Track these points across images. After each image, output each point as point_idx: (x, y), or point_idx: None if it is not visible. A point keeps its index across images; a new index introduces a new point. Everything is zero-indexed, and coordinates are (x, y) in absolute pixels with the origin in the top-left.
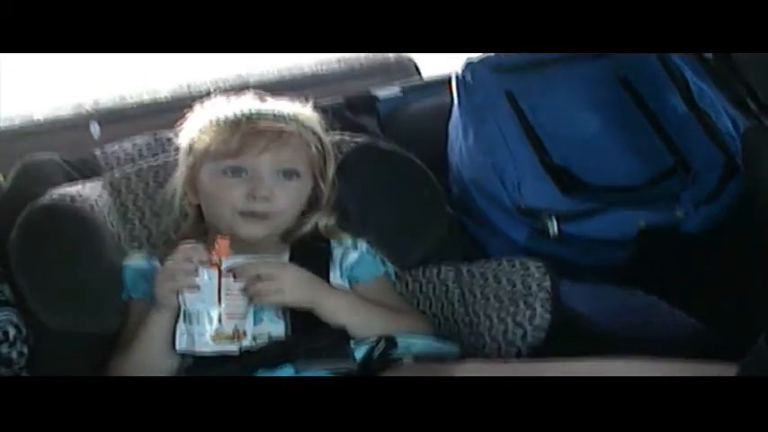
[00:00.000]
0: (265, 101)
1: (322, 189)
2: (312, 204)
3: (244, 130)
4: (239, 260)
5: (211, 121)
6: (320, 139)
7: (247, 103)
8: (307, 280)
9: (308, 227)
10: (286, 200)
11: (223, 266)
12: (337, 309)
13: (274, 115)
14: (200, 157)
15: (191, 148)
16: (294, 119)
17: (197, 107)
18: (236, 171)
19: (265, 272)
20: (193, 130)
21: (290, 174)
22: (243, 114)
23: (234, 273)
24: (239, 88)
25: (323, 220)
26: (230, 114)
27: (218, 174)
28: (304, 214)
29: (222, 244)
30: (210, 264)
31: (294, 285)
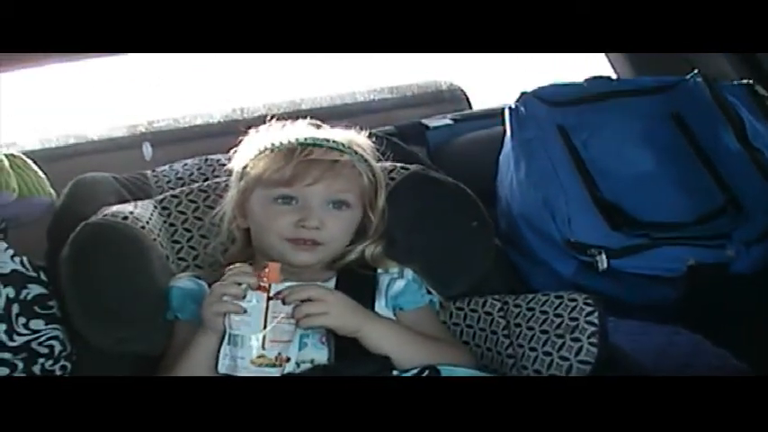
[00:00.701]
0: (320, 128)
1: (371, 219)
2: (360, 233)
3: (298, 159)
4: (288, 285)
5: (266, 148)
6: (372, 169)
7: (303, 131)
8: (353, 306)
9: (354, 255)
10: (335, 229)
11: (272, 291)
12: (382, 337)
13: (329, 144)
14: (253, 183)
15: (243, 173)
16: (349, 148)
17: (252, 132)
18: (287, 199)
19: (314, 294)
20: (247, 155)
21: (339, 204)
22: (298, 142)
23: (283, 297)
24: (292, 114)
25: (370, 249)
26: (285, 142)
27: (269, 201)
28: (351, 243)
29: (273, 268)
30: (259, 288)
31: (341, 310)
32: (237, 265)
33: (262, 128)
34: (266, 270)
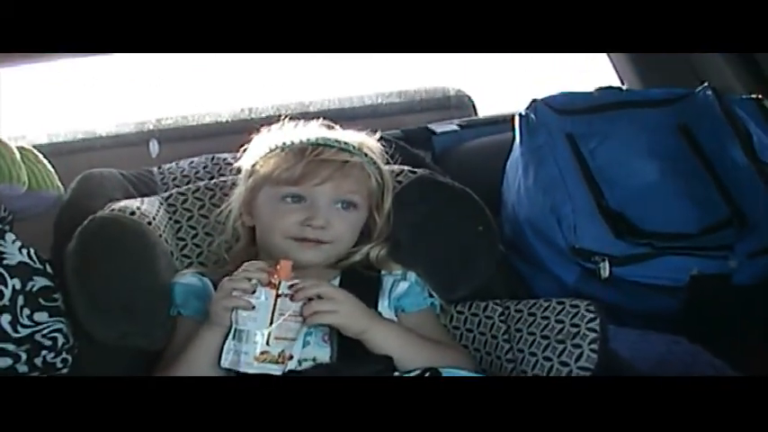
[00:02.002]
0: (332, 129)
1: (376, 221)
2: (364, 235)
3: (308, 159)
4: (298, 282)
5: (277, 146)
6: (381, 172)
7: (314, 131)
8: (362, 307)
9: (358, 256)
10: (341, 229)
11: (281, 289)
12: (386, 339)
13: (340, 145)
14: (261, 181)
15: (253, 171)
16: (359, 150)
17: (263, 131)
18: (296, 198)
19: (324, 292)
20: (258, 153)
21: (347, 205)
22: (309, 142)
23: (292, 295)
24: (300, 116)
25: (375, 250)
26: (297, 141)
27: (277, 199)
28: (356, 244)
29: (285, 266)
30: (269, 284)
31: (351, 310)
32: (253, 262)
33: (274, 127)
34: (278, 267)
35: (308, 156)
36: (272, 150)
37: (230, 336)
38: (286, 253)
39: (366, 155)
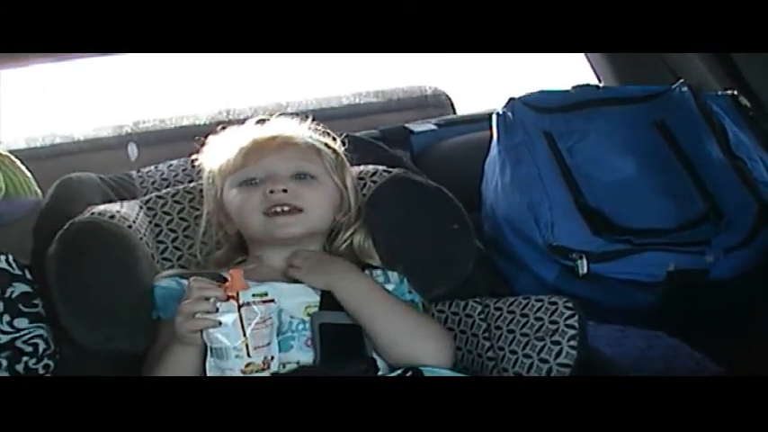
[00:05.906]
0: (267, 121)
1: (345, 193)
2: (344, 211)
3: (248, 145)
4: (261, 288)
5: (219, 146)
6: (328, 146)
7: (250, 125)
8: (322, 264)
9: (345, 239)
10: (308, 196)
11: (241, 299)
12: (355, 290)
13: (275, 129)
14: (220, 181)
15: (213, 179)
16: (292, 129)
17: (209, 140)
18: (251, 180)
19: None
20: (209, 160)
21: (303, 175)
22: (245, 131)
23: (253, 301)
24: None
25: (357, 237)
26: (234, 133)
27: (237, 188)
28: (338, 221)
29: (236, 277)
30: (229, 298)
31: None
32: (199, 282)
33: (217, 135)
34: (230, 280)
35: (247, 143)
36: (216, 153)
37: (209, 354)
38: (267, 232)
39: (303, 133)
